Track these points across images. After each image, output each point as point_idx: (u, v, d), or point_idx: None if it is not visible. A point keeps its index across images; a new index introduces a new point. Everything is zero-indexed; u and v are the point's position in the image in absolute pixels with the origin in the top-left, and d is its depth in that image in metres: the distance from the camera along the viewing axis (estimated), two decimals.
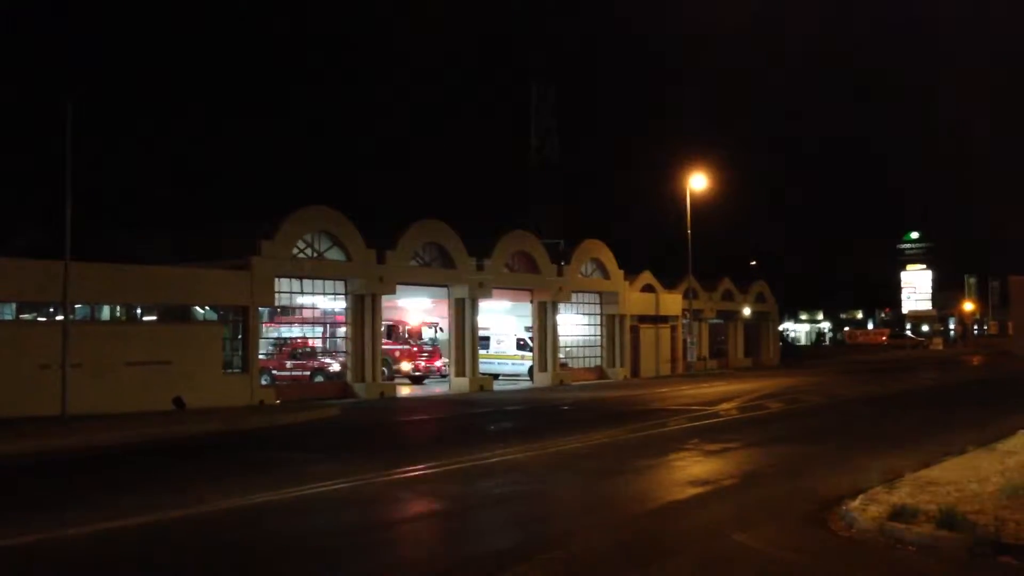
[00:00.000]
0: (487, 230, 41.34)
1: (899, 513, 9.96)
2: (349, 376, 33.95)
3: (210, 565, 9.43)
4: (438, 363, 41.53)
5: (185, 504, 12.19)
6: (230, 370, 29.83)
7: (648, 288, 48.75)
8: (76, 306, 26.72)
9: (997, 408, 25.01)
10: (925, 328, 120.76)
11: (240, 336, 30.21)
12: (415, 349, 40.85)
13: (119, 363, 26.22)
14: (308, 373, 34.85)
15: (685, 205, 48.59)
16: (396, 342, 40.19)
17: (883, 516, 10.05)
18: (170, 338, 28.43)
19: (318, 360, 35.46)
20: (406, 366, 40.22)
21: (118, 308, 30.79)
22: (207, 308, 31.13)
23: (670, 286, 50.29)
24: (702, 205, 51.29)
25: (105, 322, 30.20)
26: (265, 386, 31.25)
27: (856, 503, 10.83)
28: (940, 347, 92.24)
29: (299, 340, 36.67)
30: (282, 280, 31.78)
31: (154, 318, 30.65)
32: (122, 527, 10.90)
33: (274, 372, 33.86)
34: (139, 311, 30.87)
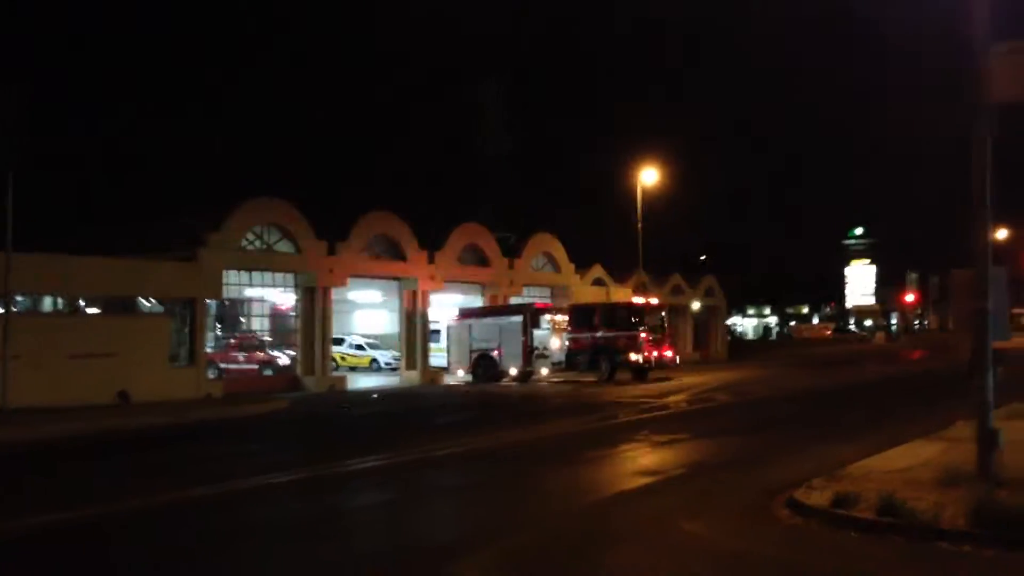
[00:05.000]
0: (438, 222, 41.25)
1: (842, 501, 10.18)
2: (299, 369, 33.70)
3: (156, 559, 9.33)
4: (668, 352, 36.76)
5: (125, 497, 12.03)
6: (177, 363, 29.42)
7: (599, 282, 49.06)
8: (17, 297, 26.15)
9: (937, 400, 25.56)
10: (869, 323, 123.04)
11: (187, 328, 29.82)
12: (644, 336, 35.32)
13: (62, 355, 25.71)
14: (257, 366, 34.51)
15: (638, 199, 48.86)
16: (619, 328, 35.54)
17: (826, 503, 10.26)
18: (115, 330, 27.94)
19: (266, 353, 35.11)
20: (635, 356, 34.98)
21: (59, 300, 30.19)
22: (152, 301, 30.63)
23: (620, 279, 50.64)
24: (654, 199, 51.63)
25: (47, 314, 29.62)
26: (212, 379, 30.89)
27: (800, 491, 11.03)
28: (883, 341, 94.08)
29: (248, 333, 36.30)
30: (230, 272, 31.44)
31: (98, 310, 30.09)
32: (62, 520, 10.76)
33: (222, 365, 33.47)
34: (83, 303, 30.29)
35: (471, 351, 38.52)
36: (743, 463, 14.72)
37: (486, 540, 9.69)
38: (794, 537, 9.67)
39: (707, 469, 14.21)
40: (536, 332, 37.47)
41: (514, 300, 42.93)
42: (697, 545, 9.50)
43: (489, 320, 38.65)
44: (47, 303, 30.42)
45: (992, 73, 11.18)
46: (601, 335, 35.88)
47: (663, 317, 37.90)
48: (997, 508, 9.20)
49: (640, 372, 35.65)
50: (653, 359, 35.45)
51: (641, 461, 15.27)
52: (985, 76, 11.21)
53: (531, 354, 37.36)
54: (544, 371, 37.44)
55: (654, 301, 38.34)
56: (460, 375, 38.80)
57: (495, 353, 37.50)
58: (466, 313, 40.33)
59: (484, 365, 37.54)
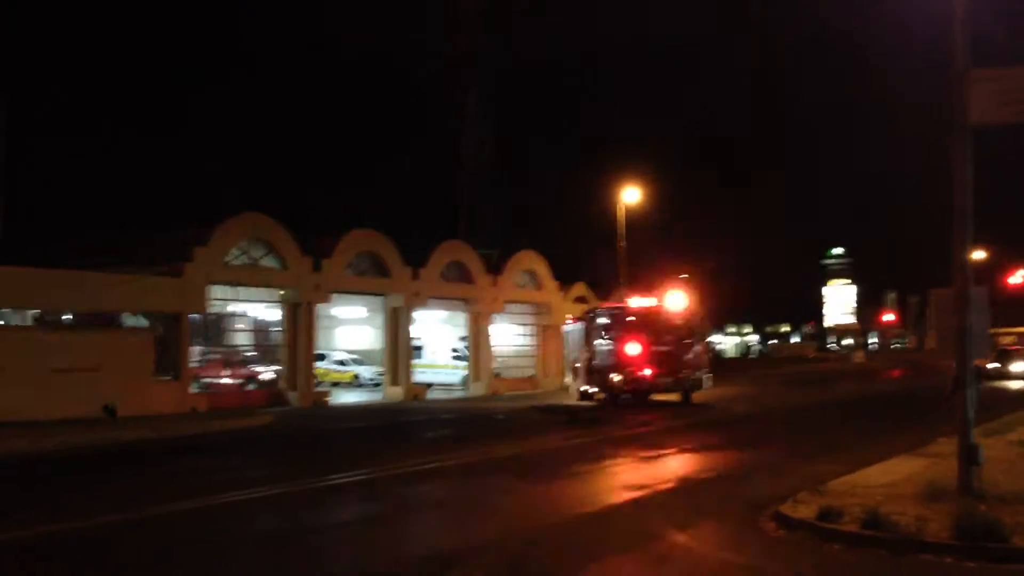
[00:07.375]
0: (423, 239, 41.39)
1: (827, 514, 10.38)
2: (282, 384, 33.68)
3: (142, 571, 9.40)
4: (698, 371, 29.97)
5: (114, 511, 12.07)
6: (161, 377, 29.34)
7: (581, 299, 49.21)
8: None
9: (918, 417, 25.87)
10: (848, 341, 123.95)
11: (172, 343, 29.75)
12: (636, 351, 28.63)
13: (45, 370, 25.59)
14: (240, 381, 34.43)
15: (624, 217, 49.09)
16: (616, 340, 29.35)
17: (812, 517, 10.46)
18: (99, 345, 27.85)
19: (251, 368, 35.05)
20: (616, 377, 29.10)
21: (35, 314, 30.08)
22: (138, 315, 30.56)
23: (603, 297, 50.83)
24: (638, 216, 51.87)
25: (31, 328, 29.51)
26: (196, 393, 30.82)
27: (787, 505, 11.23)
28: (862, 360, 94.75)
29: (232, 348, 36.22)
30: (215, 287, 31.44)
31: (84, 324, 30.00)
32: (35, 534, 10.82)
33: (205, 380, 33.36)
34: (67, 317, 30.21)
35: (572, 361, 35.12)
36: (729, 478, 14.91)
37: (476, 552, 9.81)
38: (781, 549, 9.86)
39: (694, 484, 14.39)
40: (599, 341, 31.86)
41: (497, 317, 42.94)
42: (686, 557, 9.66)
43: (578, 326, 34.63)
44: (30, 317, 30.32)
45: (971, 98, 11.53)
46: (600, 348, 30.66)
47: (697, 327, 30.80)
48: (979, 521, 9.43)
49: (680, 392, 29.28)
50: (648, 380, 28.63)
51: (628, 476, 15.43)
52: (964, 100, 11.55)
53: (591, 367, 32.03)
54: (594, 388, 31.96)
55: (681, 305, 30.15)
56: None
57: (578, 365, 33.79)
58: (577, 317, 36.87)
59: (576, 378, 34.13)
